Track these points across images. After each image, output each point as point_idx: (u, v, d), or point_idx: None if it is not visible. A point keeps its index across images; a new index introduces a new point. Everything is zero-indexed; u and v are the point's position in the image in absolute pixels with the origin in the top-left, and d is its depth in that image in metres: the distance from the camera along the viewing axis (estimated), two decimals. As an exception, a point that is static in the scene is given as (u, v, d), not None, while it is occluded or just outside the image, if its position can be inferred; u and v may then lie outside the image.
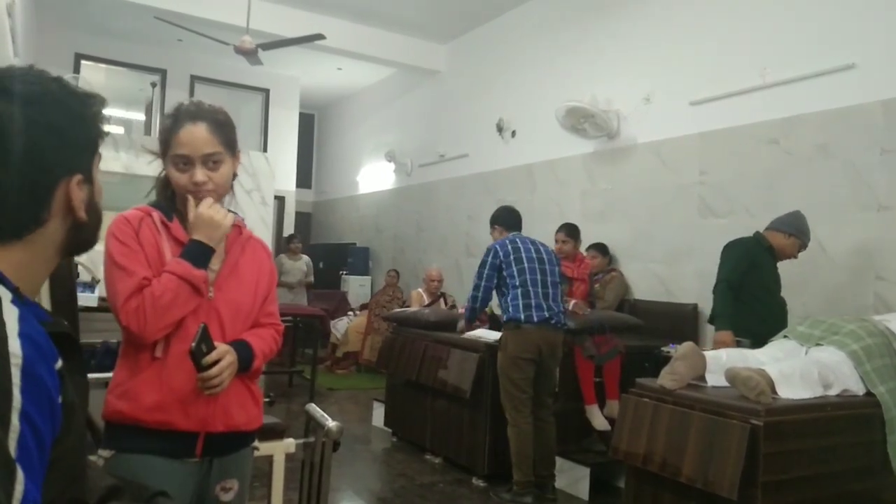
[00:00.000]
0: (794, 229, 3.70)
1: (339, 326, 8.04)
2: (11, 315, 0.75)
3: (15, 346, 0.72)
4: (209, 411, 1.51)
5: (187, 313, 1.49)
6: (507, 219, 4.24)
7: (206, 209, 1.52)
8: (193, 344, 1.41)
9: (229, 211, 1.68)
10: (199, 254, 1.50)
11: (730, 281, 3.61)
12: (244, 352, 1.55)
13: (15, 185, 0.83)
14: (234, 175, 1.67)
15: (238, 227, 1.68)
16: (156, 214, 1.56)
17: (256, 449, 1.75)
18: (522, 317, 3.80)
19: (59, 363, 0.79)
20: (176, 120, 1.55)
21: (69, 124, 0.88)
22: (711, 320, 3.74)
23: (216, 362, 1.46)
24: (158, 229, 1.54)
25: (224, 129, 1.58)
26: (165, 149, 1.56)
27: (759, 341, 3.43)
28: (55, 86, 0.89)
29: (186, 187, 1.54)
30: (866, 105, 3.93)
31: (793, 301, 4.11)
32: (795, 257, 3.76)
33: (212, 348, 1.46)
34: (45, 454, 0.75)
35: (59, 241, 0.90)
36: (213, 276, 1.57)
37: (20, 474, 0.69)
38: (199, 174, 1.53)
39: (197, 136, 1.52)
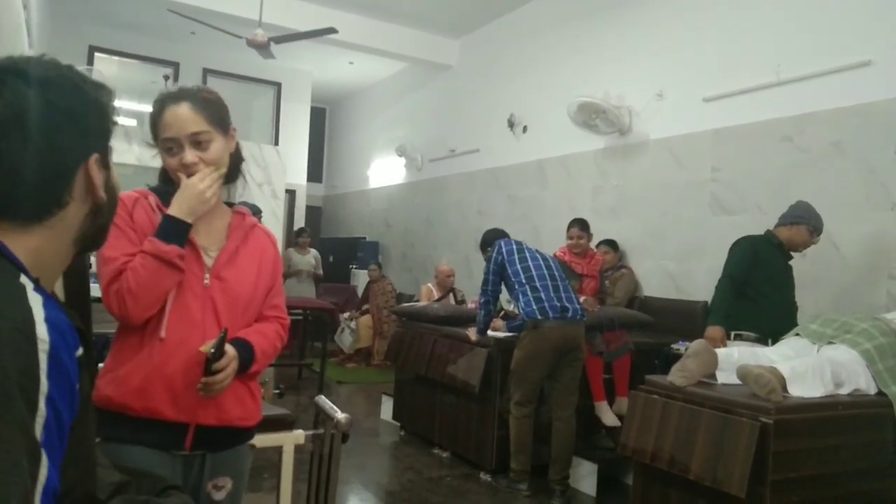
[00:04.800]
0: (795, 217, 3.66)
1: (344, 340, 7.99)
2: (36, 301, 0.76)
3: (42, 331, 0.73)
4: (201, 402, 1.46)
5: (170, 289, 1.45)
6: (495, 234, 4.38)
7: (198, 180, 1.48)
8: (213, 350, 1.40)
9: (241, 203, 1.67)
10: (169, 228, 1.44)
11: (732, 277, 3.61)
12: (245, 354, 1.50)
13: (38, 167, 0.84)
14: (240, 158, 1.63)
15: (241, 215, 1.64)
16: (152, 197, 1.53)
17: (253, 446, 1.70)
18: (538, 314, 3.78)
19: (80, 351, 0.80)
20: (160, 105, 1.51)
21: (86, 109, 0.89)
22: (708, 314, 3.72)
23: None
24: (153, 210, 1.51)
25: (210, 106, 1.52)
26: (155, 136, 1.52)
27: (764, 337, 3.44)
28: (70, 72, 0.91)
29: (178, 171, 1.49)
30: (881, 103, 3.89)
31: (805, 299, 4.08)
32: (809, 244, 3.68)
33: (223, 354, 1.43)
34: (63, 440, 0.76)
35: (77, 228, 0.91)
36: (211, 263, 1.53)
37: (44, 458, 0.70)
38: (189, 155, 1.48)
39: (180, 115, 1.48)
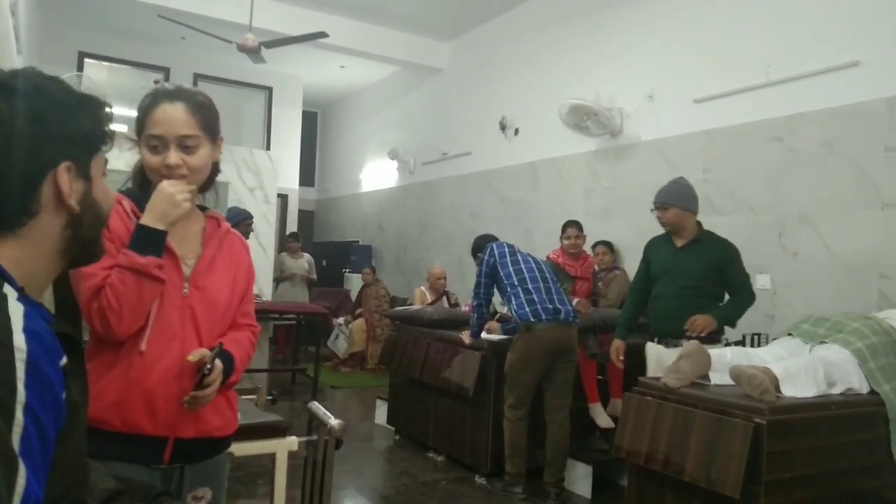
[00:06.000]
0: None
1: (339, 345, 7.98)
2: (17, 311, 0.75)
3: (20, 340, 0.73)
4: (180, 415, 1.43)
5: (153, 301, 1.41)
6: (485, 238, 4.42)
7: (169, 185, 1.42)
8: (209, 364, 1.40)
9: (231, 209, 1.66)
10: (143, 240, 1.39)
11: (631, 288, 3.84)
12: (227, 365, 1.48)
13: (0, 175, 0.82)
14: (217, 168, 1.58)
15: (215, 220, 1.60)
16: (126, 202, 1.47)
17: (231, 455, 1.68)
18: (531, 316, 3.79)
19: (64, 360, 0.79)
20: (153, 99, 1.46)
21: (55, 115, 0.87)
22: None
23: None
24: (129, 216, 1.45)
25: (204, 111, 1.48)
26: (140, 129, 1.46)
27: (652, 335, 3.53)
28: (47, 81, 0.89)
29: (159, 170, 1.44)
30: (871, 102, 3.91)
31: (796, 299, 4.11)
32: (663, 221, 3.57)
33: (213, 367, 1.42)
34: (48, 450, 0.75)
35: (56, 238, 0.89)
36: (189, 272, 1.50)
37: (22, 468, 0.69)
38: (173, 156, 1.43)
39: (173, 115, 1.43)
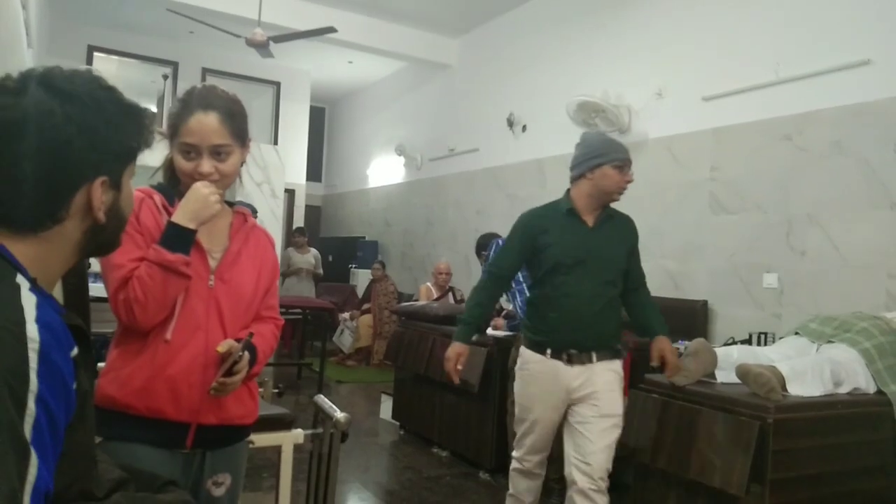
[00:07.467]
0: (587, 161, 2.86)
1: (344, 341, 8.00)
2: (30, 302, 0.76)
3: (32, 330, 0.73)
4: (202, 403, 1.48)
5: (178, 296, 1.46)
6: (490, 236, 4.47)
7: (202, 185, 1.47)
8: (241, 353, 1.45)
9: (239, 203, 1.68)
10: (173, 237, 1.43)
11: (491, 274, 2.84)
12: (251, 357, 1.53)
13: (37, 179, 0.82)
14: (242, 162, 1.63)
15: (242, 216, 1.65)
16: (157, 197, 1.53)
17: (251, 443, 1.72)
18: None
19: (75, 351, 0.80)
20: (186, 106, 1.50)
21: (104, 128, 0.87)
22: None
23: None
24: (159, 210, 1.51)
25: (236, 119, 1.54)
26: (173, 134, 1.51)
27: (549, 348, 2.62)
28: (101, 92, 0.88)
29: (191, 175, 1.50)
30: (881, 102, 3.89)
31: (804, 298, 4.09)
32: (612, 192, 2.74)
33: (242, 356, 1.47)
34: (58, 440, 0.76)
35: (76, 241, 0.90)
36: (215, 265, 1.55)
37: (34, 458, 0.70)
38: (206, 165, 1.49)
39: (207, 126, 1.48)
